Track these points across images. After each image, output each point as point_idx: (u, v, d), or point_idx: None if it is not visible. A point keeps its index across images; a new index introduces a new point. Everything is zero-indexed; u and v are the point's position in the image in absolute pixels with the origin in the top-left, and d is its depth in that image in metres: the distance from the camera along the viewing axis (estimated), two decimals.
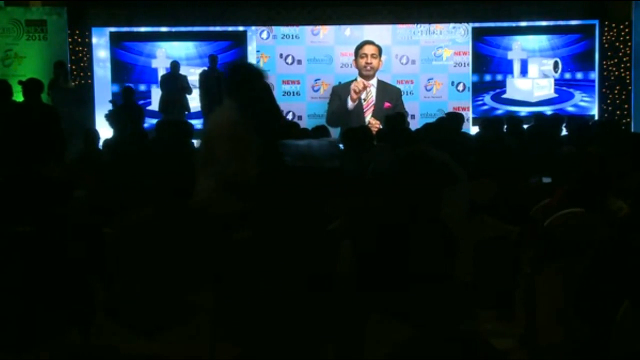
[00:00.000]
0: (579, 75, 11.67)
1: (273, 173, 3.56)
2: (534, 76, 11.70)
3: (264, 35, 11.63)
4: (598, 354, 3.00)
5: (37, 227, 3.26)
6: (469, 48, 11.64)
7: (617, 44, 11.52)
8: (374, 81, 11.36)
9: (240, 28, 11.69)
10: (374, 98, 11.31)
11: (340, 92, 11.38)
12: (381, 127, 9.90)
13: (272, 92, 6.08)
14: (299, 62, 11.63)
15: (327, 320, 2.94)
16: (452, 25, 11.62)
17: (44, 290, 3.03)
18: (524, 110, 11.37)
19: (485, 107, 11.66)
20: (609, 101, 11.58)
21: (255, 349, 2.95)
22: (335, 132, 9.52)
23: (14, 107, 7.56)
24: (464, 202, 3.74)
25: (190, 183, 4.08)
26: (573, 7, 11.52)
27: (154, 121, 10.16)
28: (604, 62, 11.56)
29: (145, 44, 11.64)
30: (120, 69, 11.58)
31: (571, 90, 11.69)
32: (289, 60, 11.64)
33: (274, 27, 11.63)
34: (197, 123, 10.93)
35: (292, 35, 11.63)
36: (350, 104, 11.20)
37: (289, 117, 11.15)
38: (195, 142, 7.61)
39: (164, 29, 11.67)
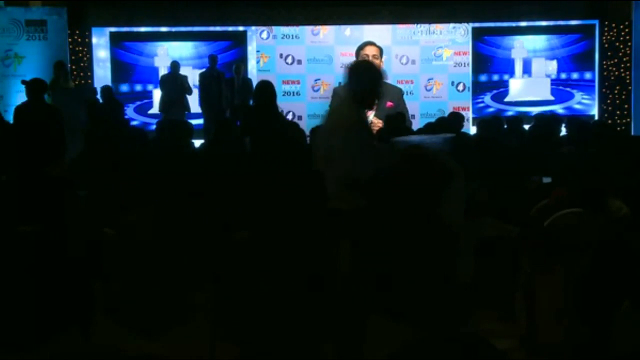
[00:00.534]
0: (579, 76, 11.67)
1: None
2: (535, 76, 11.70)
3: (264, 35, 11.63)
4: (598, 354, 3.00)
5: (37, 226, 3.26)
6: (469, 48, 11.64)
7: (617, 44, 11.52)
8: None
9: (240, 28, 11.69)
10: None
11: (341, 93, 11.34)
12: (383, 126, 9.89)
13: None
14: (299, 62, 11.63)
15: (327, 320, 2.94)
16: (452, 25, 11.62)
17: (44, 290, 3.03)
18: (524, 110, 11.36)
19: (485, 107, 11.66)
20: (609, 101, 11.58)
21: (255, 349, 2.95)
22: None
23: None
24: (461, 198, 3.73)
25: (191, 183, 4.08)
26: (573, 7, 11.52)
27: (154, 121, 10.19)
28: (604, 62, 11.56)
29: (145, 44, 11.64)
30: (120, 69, 11.58)
31: (571, 90, 11.69)
32: (289, 60, 11.64)
33: (274, 27, 11.63)
34: (197, 123, 10.96)
35: (292, 35, 11.63)
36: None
37: (289, 117, 11.15)
38: (196, 143, 7.62)
39: (164, 29, 11.67)
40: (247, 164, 5.70)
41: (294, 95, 11.62)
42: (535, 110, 11.24)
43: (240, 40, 11.65)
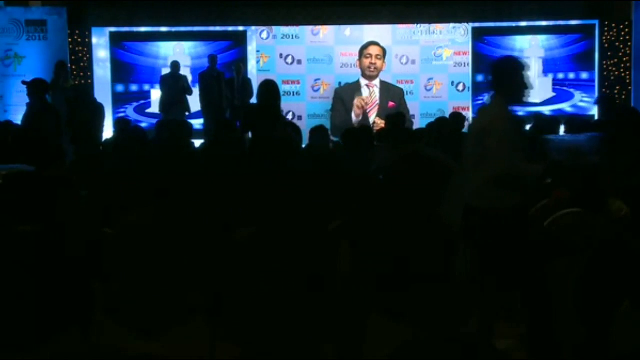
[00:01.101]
0: (579, 75, 11.67)
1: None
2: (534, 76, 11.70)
3: (264, 35, 11.63)
4: (598, 354, 3.00)
5: (37, 226, 3.26)
6: (469, 48, 11.64)
7: (617, 44, 11.52)
8: (376, 82, 11.36)
9: (240, 28, 11.68)
10: (377, 98, 11.31)
11: (343, 95, 11.35)
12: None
13: None
14: (299, 62, 11.63)
15: (327, 320, 2.94)
16: (452, 25, 11.62)
17: (44, 290, 3.03)
18: (523, 110, 11.35)
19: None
20: None
21: (255, 349, 2.95)
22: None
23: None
24: (461, 198, 3.74)
25: (191, 183, 4.08)
26: (573, 7, 11.51)
27: (154, 121, 10.19)
28: (604, 62, 11.56)
29: (145, 44, 11.63)
30: (120, 69, 11.58)
31: (571, 90, 11.69)
32: (289, 60, 11.64)
33: (274, 27, 11.62)
34: (197, 123, 10.97)
35: (292, 35, 11.63)
36: (354, 118, 11.20)
37: (289, 117, 11.15)
38: (196, 143, 7.62)
39: (164, 29, 11.67)
40: (246, 163, 5.70)
41: (294, 95, 11.62)
42: (535, 110, 11.23)
43: (240, 40, 11.65)
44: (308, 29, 11.59)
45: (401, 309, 2.82)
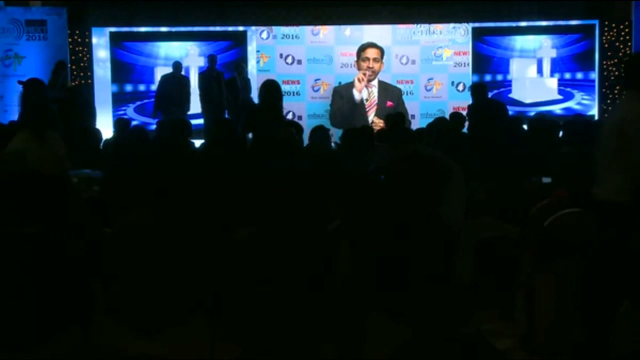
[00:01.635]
0: (579, 75, 11.67)
1: None
2: (534, 76, 11.71)
3: (264, 35, 11.63)
4: (598, 354, 3.00)
5: (37, 227, 3.26)
6: (469, 48, 11.64)
7: (617, 44, 11.52)
8: (375, 82, 11.37)
9: (240, 28, 11.69)
10: (376, 98, 11.32)
11: (342, 91, 11.38)
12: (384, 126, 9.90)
13: None
14: (299, 62, 11.63)
15: (327, 320, 2.94)
16: (452, 25, 11.62)
17: (44, 290, 3.03)
18: (523, 111, 11.36)
19: None
20: (609, 101, 11.57)
21: (255, 349, 2.95)
22: (336, 134, 9.50)
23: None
24: (461, 198, 3.73)
25: (191, 182, 4.08)
26: (573, 7, 11.51)
27: (154, 121, 10.19)
28: (604, 62, 11.56)
29: (145, 44, 11.64)
30: (120, 69, 11.58)
31: (571, 90, 11.68)
32: (289, 60, 11.64)
33: (274, 27, 11.63)
34: (197, 123, 10.96)
35: (292, 35, 11.63)
36: (357, 95, 11.18)
37: (289, 117, 11.15)
38: (197, 143, 7.62)
39: (164, 29, 11.67)
40: (247, 163, 5.70)
41: (294, 95, 11.62)
42: (535, 110, 11.24)
43: (240, 40, 11.65)
44: (308, 29, 11.59)
45: (401, 309, 2.82)
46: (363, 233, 3.08)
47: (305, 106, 11.63)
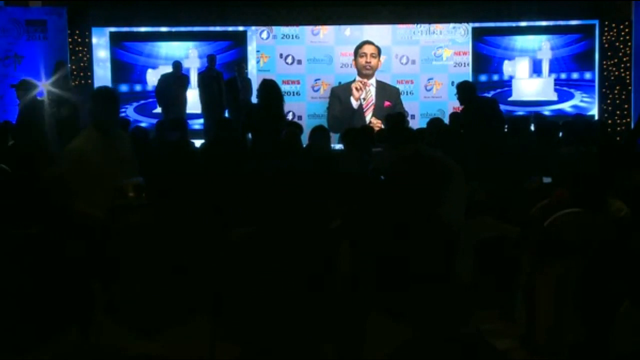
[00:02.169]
0: (579, 75, 11.67)
1: None
2: (534, 76, 11.71)
3: (264, 35, 11.63)
4: (598, 354, 3.00)
5: (37, 227, 3.26)
6: (469, 48, 11.64)
7: (617, 44, 11.52)
8: (372, 81, 11.37)
9: (240, 28, 11.69)
10: (373, 97, 11.33)
11: (339, 93, 11.39)
12: (382, 126, 9.90)
13: None
14: (299, 62, 11.64)
15: (327, 320, 2.94)
16: (452, 25, 11.62)
17: (44, 290, 3.03)
18: (524, 111, 11.36)
19: None
20: (609, 101, 11.58)
21: (256, 349, 2.95)
22: (334, 137, 9.49)
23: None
24: (461, 198, 3.73)
25: (191, 182, 4.08)
26: (573, 7, 11.51)
27: (154, 121, 10.18)
28: (604, 62, 11.56)
29: (145, 44, 11.64)
30: (120, 69, 11.58)
31: (571, 90, 11.68)
32: (289, 60, 11.64)
33: (274, 27, 11.63)
34: (197, 123, 10.97)
35: (292, 35, 11.64)
36: (354, 103, 11.21)
37: (289, 117, 11.16)
38: (197, 143, 7.62)
39: (164, 29, 11.68)
40: (246, 163, 5.70)
41: (294, 95, 11.62)
42: (535, 110, 11.23)
43: (240, 40, 11.65)
44: (308, 29, 11.59)
45: (401, 309, 2.81)
46: (363, 233, 3.08)
47: (305, 106, 11.63)
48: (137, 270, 3.10)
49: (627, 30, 11.46)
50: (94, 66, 11.52)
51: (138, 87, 11.59)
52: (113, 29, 11.58)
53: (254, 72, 11.47)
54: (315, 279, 2.96)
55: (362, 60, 11.36)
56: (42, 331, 3.01)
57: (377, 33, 11.55)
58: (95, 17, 11.50)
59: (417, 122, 11.07)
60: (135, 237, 3.22)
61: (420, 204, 3.04)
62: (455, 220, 3.46)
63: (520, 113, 11.00)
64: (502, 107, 11.52)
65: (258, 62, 11.61)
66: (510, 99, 11.63)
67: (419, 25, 11.62)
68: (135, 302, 3.06)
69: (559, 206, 3.80)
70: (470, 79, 11.50)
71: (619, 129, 11.43)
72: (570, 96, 11.68)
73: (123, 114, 11.12)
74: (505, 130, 7.21)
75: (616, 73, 11.54)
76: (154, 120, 10.22)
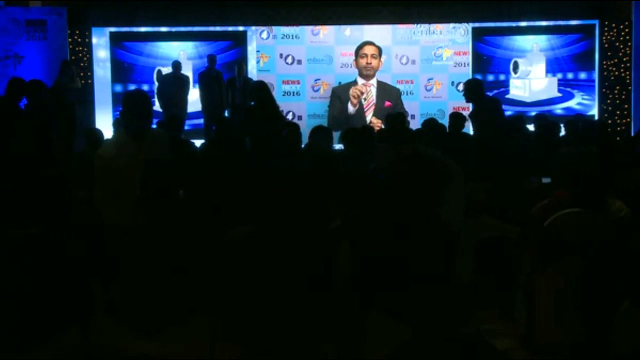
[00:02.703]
0: (579, 75, 11.67)
1: None
2: (534, 76, 11.71)
3: (264, 35, 11.63)
4: (597, 354, 3.00)
5: (37, 227, 3.26)
6: (469, 48, 11.64)
7: (617, 44, 11.52)
8: (373, 81, 11.37)
9: (240, 28, 11.69)
10: (374, 98, 11.33)
11: (340, 93, 11.39)
12: (383, 126, 9.90)
13: None
14: (299, 62, 11.63)
15: (327, 320, 2.94)
16: (452, 25, 11.62)
17: (44, 290, 3.03)
18: (523, 111, 11.35)
19: None
20: (609, 101, 11.58)
21: (255, 349, 2.95)
22: (337, 134, 9.49)
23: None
24: (460, 198, 3.73)
25: (191, 182, 4.08)
26: (573, 7, 11.51)
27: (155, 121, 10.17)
28: (604, 62, 11.56)
29: (145, 44, 11.63)
30: (120, 69, 11.58)
31: (571, 90, 11.69)
32: (289, 60, 11.64)
33: (274, 27, 11.62)
34: (197, 123, 10.97)
35: (292, 35, 11.63)
36: (351, 109, 11.23)
37: (289, 117, 11.16)
38: (196, 142, 7.62)
39: (164, 29, 11.67)
40: (246, 163, 5.70)
41: (294, 95, 11.62)
42: (535, 110, 11.23)
43: (240, 40, 11.65)
44: (308, 29, 11.59)
45: (401, 309, 2.82)
46: (363, 233, 3.08)
47: (305, 106, 11.62)
48: (137, 270, 3.10)
49: (627, 30, 11.46)
50: (94, 66, 11.52)
51: (138, 87, 11.57)
52: (113, 29, 11.58)
53: (254, 72, 11.47)
54: (315, 279, 2.96)
55: (362, 61, 11.35)
56: (42, 331, 3.01)
57: (377, 33, 11.55)
58: (95, 17, 11.50)
59: (417, 122, 11.06)
60: (135, 237, 3.22)
61: (420, 204, 3.04)
62: (455, 220, 3.46)
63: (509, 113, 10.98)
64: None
65: (258, 62, 11.61)
66: (507, 96, 11.61)
67: (419, 25, 11.61)
68: (135, 302, 3.07)
69: (559, 206, 3.79)
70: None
71: (619, 129, 11.43)
72: (570, 96, 11.68)
73: None
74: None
75: (616, 73, 11.54)
76: (155, 120, 10.21)
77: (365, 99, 11.30)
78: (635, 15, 11.31)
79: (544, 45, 11.69)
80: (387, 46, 11.56)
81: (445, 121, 8.58)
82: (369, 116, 11.26)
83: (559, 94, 11.67)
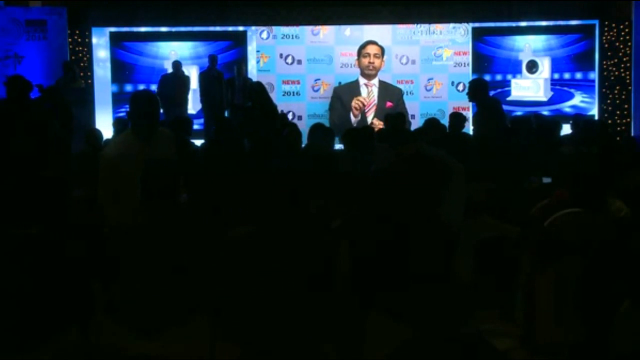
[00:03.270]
0: (579, 75, 11.67)
1: None
2: (534, 76, 11.72)
3: (264, 35, 11.63)
4: (597, 354, 3.00)
5: (37, 227, 3.26)
6: (469, 48, 11.64)
7: (617, 44, 11.52)
8: (375, 81, 11.37)
9: (240, 28, 11.69)
10: (375, 98, 11.32)
11: (341, 93, 11.38)
12: (383, 127, 9.90)
13: None
14: (299, 62, 11.63)
15: (327, 320, 2.94)
16: (452, 25, 11.62)
17: (44, 290, 3.03)
18: (524, 111, 11.35)
19: None
20: (609, 101, 11.57)
21: (255, 349, 2.95)
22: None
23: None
24: (462, 198, 3.73)
25: (191, 181, 4.08)
26: (573, 7, 11.51)
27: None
28: (604, 62, 11.56)
29: (145, 44, 11.64)
30: (120, 69, 11.58)
31: (571, 90, 11.69)
32: (289, 60, 11.64)
33: (274, 27, 11.63)
34: (197, 123, 10.96)
35: (292, 35, 11.64)
36: (353, 119, 11.23)
37: (289, 117, 11.15)
38: (196, 142, 7.62)
39: (164, 29, 11.67)
40: (246, 163, 5.70)
41: (294, 95, 11.62)
42: (535, 110, 11.23)
43: (240, 40, 11.65)
44: (308, 29, 11.59)
45: (401, 309, 2.82)
46: (363, 233, 3.08)
47: (305, 106, 11.63)
48: (137, 270, 3.10)
49: (627, 30, 11.46)
50: (94, 66, 11.52)
51: (138, 87, 11.57)
52: (113, 29, 11.58)
53: (254, 72, 11.47)
54: (315, 279, 2.96)
55: (365, 61, 11.35)
56: (42, 331, 3.01)
57: (377, 33, 11.55)
58: (95, 17, 11.50)
59: (417, 122, 11.07)
60: (135, 237, 3.22)
61: (420, 203, 3.04)
62: (455, 220, 3.46)
63: (519, 113, 11.00)
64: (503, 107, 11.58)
65: (258, 62, 11.61)
66: (508, 98, 11.62)
67: (419, 25, 11.62)
68: (135, 302, 3.07)
69: (559, 206, 3.79)
70: (470, 79, 11.50)
71: (619, 129, 11.43)
72: (570, 96, 11.68)
73: (123, 114, 11.13)
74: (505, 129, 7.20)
75: (616, 73, 11.54)
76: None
77: (364, 104, 11.30)
78: (635, 15, 11.31)
79: (542, 45, 11.68)
80: (387, 46, 11.56)
81: (445, 121, 8.57)
82: (370, 117, 11.26)
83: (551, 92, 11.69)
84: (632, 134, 11.10)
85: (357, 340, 2.92)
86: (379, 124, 10.79)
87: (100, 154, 4.14)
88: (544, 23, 11.63)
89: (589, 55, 11.63)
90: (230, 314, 3.01)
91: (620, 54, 11.51)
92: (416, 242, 2.91)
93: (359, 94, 11.35)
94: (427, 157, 3.34)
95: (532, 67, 11.64)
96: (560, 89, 11.69)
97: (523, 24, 11.65)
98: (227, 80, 10.57)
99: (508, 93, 11.69)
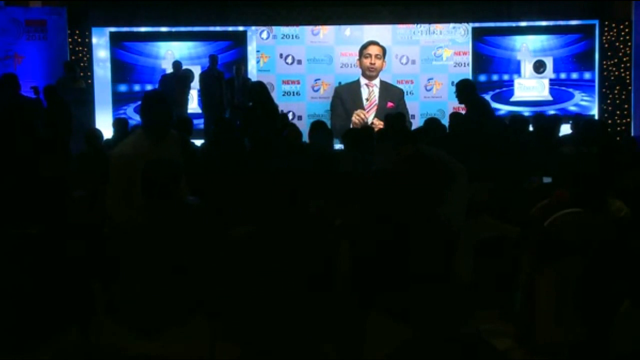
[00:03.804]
0: (579, 76, 11.67)
1: None
2: (534, 76, 11.72)
3: (264, 35, 11.63)
4: (597, 354, 3.00)
5: (37, 227, 3.27)
6: (469, 48, 11.64)
7: (617, 44, 11.52)
8: (376, 81, 11.37)
9: (240, 28, 11.69)
10: (376, 98, 11.32)
11: (342, 94, 11.37)
12: (383, 127, 9.90)
13: None
14: (299, 62, 11.63)
15: (327, 320, 2.94)
16: (452, 25, 11.62)
17: (44, 290, 3.03)
18: (523, 111, 11.35)
19: None
20: (609, 101, 11.57)
21: (255, 349, 2.95)
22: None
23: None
24: (463, 198, 3.73)
25: (191, 181, 4.08)
26: (573, 7, 11.51)
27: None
28: (604, 62, 11.55)
29: (145, 44, 11.63)
30: (120, 69, 11.58)
31: (571, 90, 11.68)
32: (289, 60, 11.64)
33: (274, 27, 11.62)
34: (197, 123, 10.96)
35: (292, 35, 11.63)
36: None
37: (289, 117, 11.15)
38: (196, 142, 7.62)
39: (164, 29, 11.67)
40: (246, 163, 5.70)
41: (294, 95, 11.62)
42: (535, 110, 11.23)
43: (240, 40, 11.65)
44: (308, 29, 11.59)
45: (401, 309, 2.82)
46: (363, 233, 3.08)
47: (305, 106, 11.62)
48: (137, 270, 3.10)
49: (627, 30, 11.46)
50: (94, 66, 11.52)
51: (138, 87, 11.57)
52: (113, 29, 11.58)
53: (254, 72, 11.47)
54: (315, 279, 2.96)
55: (366, 61, 11.34)
56: (42, 331, 3.01)
57: (377, 33, 11.55)
58: (95, 17, 11.50)
59: (417, 122, 11.06)
60: (135, 237, 3.22)
61: (420, 204, 3.04)
62: (455, 220, 3.46)
63: (526, 113, 10.99)
64: (502, 106, 11.59)
65: (258, 62, 11.61)
66: (512, 99, 11.62)
67: (419, 25, 11.62)
68: (135, 302, 3.06)
69: (559, 206, 3.79)
70: (470, 79, 11.50)
71: (619, 129, 11.43)
72: (570, 96, 11.68)
73: (123, 114, 11.13)
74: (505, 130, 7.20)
75: (616, 73, 11.54)
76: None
77: (367, 100, 11.29)
78: (635, 15, 11.31)
79: (542, 45, 11.68)
80: (387, 46, 11.56)
81: (445, 121, 8.57)
82: (371, 117, 11.26)
83: (556, 96, 11.69)
84: (632, 134, 11.09)
85: (357, 340, 2.92)
86: (379, 124, 10.78)
87: (109, 153, 4.10)
88: (544, 23, 11.63)
89: (589, 55, 11.63)
90: (230, 314, 3.01)
91: (620, 54, 11.51)
92: (416, 242, 2.91)
93: (360, 94, 11.34)
94: (427, 157, 3.34)
95: (540, 67, 11.63)
96: (560, 89, 11.69)
97: (523, 24, 11.64)
98: (227, 80, 10.57)
99: (511, 93, 11.69)
